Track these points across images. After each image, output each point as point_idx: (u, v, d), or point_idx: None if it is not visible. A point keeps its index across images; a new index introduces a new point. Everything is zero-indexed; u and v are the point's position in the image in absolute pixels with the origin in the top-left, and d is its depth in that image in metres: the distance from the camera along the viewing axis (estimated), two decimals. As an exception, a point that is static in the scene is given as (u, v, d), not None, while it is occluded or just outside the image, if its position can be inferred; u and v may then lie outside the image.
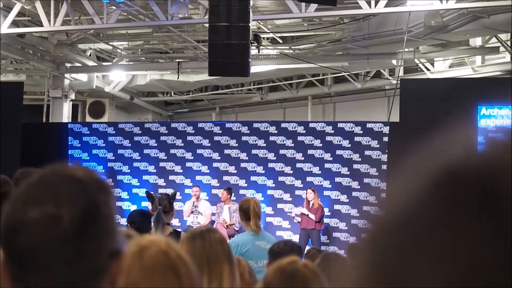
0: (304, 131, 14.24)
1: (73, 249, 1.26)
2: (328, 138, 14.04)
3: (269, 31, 16.07)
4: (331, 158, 13.96)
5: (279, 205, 14.16)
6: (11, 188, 3.52)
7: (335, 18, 15.48)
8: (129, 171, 15.13)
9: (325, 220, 13.26)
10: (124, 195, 14.88)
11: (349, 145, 13.86)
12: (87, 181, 1.31)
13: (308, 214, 12.82)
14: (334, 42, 16.66)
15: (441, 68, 17.38)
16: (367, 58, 16.23)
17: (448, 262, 0.50)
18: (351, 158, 13.81)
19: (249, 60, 11.61)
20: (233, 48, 11.36)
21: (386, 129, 13.50)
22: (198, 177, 14.67)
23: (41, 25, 14.06)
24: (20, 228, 1.27)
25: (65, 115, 17.82)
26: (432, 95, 12.13)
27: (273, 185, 14.29)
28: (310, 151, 14.11)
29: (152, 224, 5.91)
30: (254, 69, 14.67)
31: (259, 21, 15.11)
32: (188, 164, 14.84)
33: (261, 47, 13.69)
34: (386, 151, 13.33)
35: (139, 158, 15.09)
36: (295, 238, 12.84)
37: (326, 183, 13.89)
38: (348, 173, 13.82)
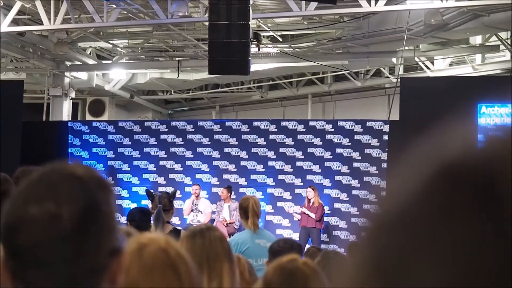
0: (304, 130, 14.24)
1: (73, 247, 1.26)
2: (328, 136, 14.04)
3: (269, 30, 16.07)
4: (331, 157, 13.96)
5: (279, 204, 14.16)
6: (11, 187, 3.52)
7: (335, 17, 15.48)
8: (129, 169, 15.13)
9: (325, 219, 13.24)
10: (124, 193, 14.88)
11: (349, 144, 13.86)
12: (87, 179, 1.31)
13: (308, 214, 12.81)
14: (334, 40, 16.66)
15: (441, 66, 17.37)
16: (367, 56, 16.22)
17: (448, 260, 0.50)
18: (351, 157, 13.81)
19: (249, 58, 11.61)
20: (233, 46, 11.36)
21: (386, 128, 13.49)
22: (198, 176, 14.67)
23: (41, 24, 14.05)
24: (20, 226, 1.27)
25: (65, 113, 17.82)
26: (432, 93, 12.13)
27: (273, 183, 14.29)
28: (310, 150, 14.11)
29: (152, 222, 5.92)
30: (254, 67, 14.67)
31: (259, 20, 15.11)
32: (188, 163, 14.84)
33: (261, 46, 13.68)
34: (386, 149, 13.33)
35: (139, 156, 15.10)
36: (295, 237, 12.84)
37: (326, 182, 13.89)
38: (348, 171, 13.81)
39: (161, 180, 14.89)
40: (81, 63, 17.83)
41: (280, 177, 14.24)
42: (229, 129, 14.75)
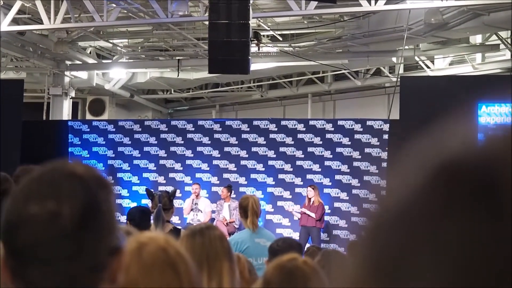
0: (304, 129, 14.24)
1: (73, 246, 1.26)
2: (328, 135, 14.04)
3: (269, 29, 16.07)
4: (331, 156, 13.95)
5: (279, 203, 14.15)
6: (11, 186, 3.52)
7: (335, 16, 15.48)
8: (129, 168, 15.13)
9: (325, 218, 13.23)
10: (124, 192, 14.89)
11: (349, 143, 13.86)
12: (88, 178, 1.31)
13: (309, 214, 12.80)
14: (334, 39, 16.66)
15: (441, 65, 17.37)
16: (367, 55, 16.22)
17: (447, 259, 0.50)
18: (351, 156, 13.80)
19: (249, 57, 11.60)
20: (233, 45, 11.36)
21: (386, 127, 13.49)
22: (198, 175, 14.67)
23: (41, 23, 14.05)
24: (20, 225, 1.27)
25: (65, 112, 17.83)
26: (432, 92, 12.13)
27: (273, 182, 14.29)
28: (310, 149, 14.10)
29: (152, 221, 5.91)
30: (254, 66, 14.67)
31: (259, 19, 15.10)
32: (188, 162, 14.85)
33: (261, 45, 13.68)
34: (386, 148, 13.33)
35: (139, 155, 15.10)
36: (295, 236, 12.83)
37: (326, 181, 13.88)
38: (348, 170, 13.81)
39: (161, 179, 14.89)
40: (81, 63, 17.83)
41: (280, 176, 14.24)
42: (229, 128, 14.75)
